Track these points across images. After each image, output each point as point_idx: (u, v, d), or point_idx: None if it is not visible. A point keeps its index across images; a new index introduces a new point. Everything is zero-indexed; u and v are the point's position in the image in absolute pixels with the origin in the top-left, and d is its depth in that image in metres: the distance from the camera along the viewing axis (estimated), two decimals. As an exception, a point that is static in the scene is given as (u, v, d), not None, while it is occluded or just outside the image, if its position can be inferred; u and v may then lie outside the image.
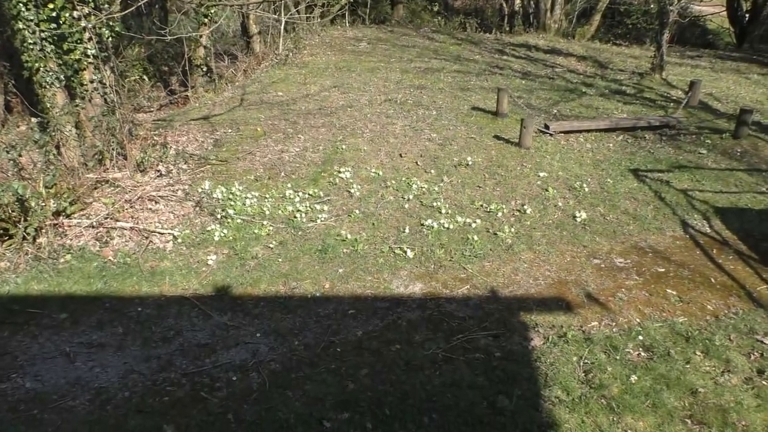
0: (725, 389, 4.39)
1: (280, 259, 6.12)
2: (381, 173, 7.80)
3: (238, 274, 5.87)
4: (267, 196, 7.29)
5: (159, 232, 6.49)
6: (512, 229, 6.59)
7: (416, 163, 8.15)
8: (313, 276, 5.84)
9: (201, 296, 5.59)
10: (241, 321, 5.26)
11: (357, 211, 6.93)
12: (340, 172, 7.80)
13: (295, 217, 6.83)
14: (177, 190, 7.32)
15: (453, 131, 9.08)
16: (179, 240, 6.42)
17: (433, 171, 7.92)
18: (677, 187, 7.40)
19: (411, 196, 7.24)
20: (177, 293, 5.63)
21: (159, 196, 7.02)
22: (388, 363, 4.72)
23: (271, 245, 6.35)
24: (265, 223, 6.69)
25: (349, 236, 6.43)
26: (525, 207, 7.03)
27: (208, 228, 6.61)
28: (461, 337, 4.99)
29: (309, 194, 7.30)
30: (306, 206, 7.03)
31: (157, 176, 7.45)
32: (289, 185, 7.51)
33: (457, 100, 10.24)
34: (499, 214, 6.92)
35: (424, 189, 7.45)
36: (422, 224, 6.68)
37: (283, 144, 8.57)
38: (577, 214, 6.89)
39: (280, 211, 6.97)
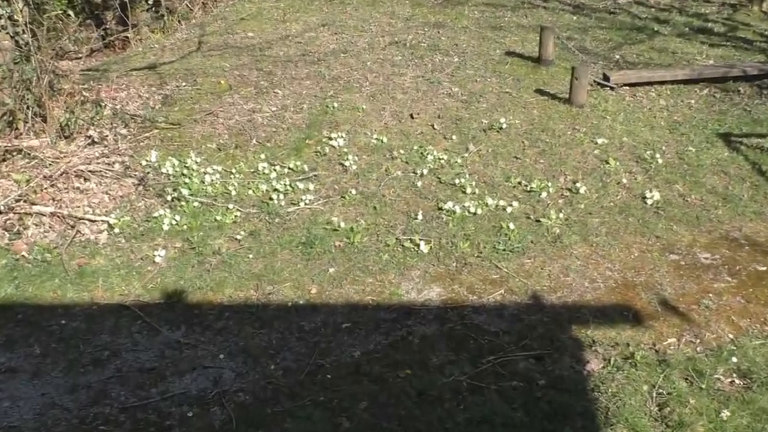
0: None
1: (250, 255, 6.14)
2: (385, 140, 7.83)
3: (194, 275, 5.91)
4: (233, 170, 7.31)
5: (89, 220, 6.49)
6: (561, 215, 6.59)
7: (432, 126, 8.15)
8: (295, 277, 5.85)
9: (145, 304, 5.61)
10: (198, 338, 5.27)
11: (353, 191, 6.97)
12: (330, 138, 7.83)
13: (270, 199, 6.85)
14: (114, 163, 7.30)
15: (481, 84, 9.07)
16: (116, 230, 6.46)
17: (454, 137, 7.94)
18: (783, 158, 7.52)
19: (425, 171, 7.27)
20: (114, 300, 5.66)
21: (90, 171, 7.00)
22: (395, 393, 4.71)
23: (238, 236, 6.37)
24: (230, 207, 6.71)
25: (342, 225, 6.46)
26: (578, 185, 7.02)
27: (155, 214, 6.64)
28: (493, 359, 4.99)
29: (289, 168, 7.34)
30: (285, 184, 7.05)
31: (88, 144, 7.44)
32: (262, 156, 7.54)
33: (487, 43, 10.25)
34: (543, 194, 6.92)
35: (442, 161, 7.48)
36: (440, 208, 6.70)
37: (254, 102, 8.59)
38: (648, 194, 6.88)
39: (250, 191, 6.99)
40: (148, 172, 7.26)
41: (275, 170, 7.31)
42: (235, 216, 6.62)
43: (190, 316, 5.48)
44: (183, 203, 6.78)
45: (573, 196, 6.90)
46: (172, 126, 8.09)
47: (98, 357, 5.07)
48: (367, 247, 6.21)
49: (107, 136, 7.70)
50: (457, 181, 7.10)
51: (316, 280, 5.82)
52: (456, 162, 7.45)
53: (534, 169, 7.35)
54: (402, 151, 7.63)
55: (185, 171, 7.27)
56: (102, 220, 6.51)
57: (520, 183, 7.10)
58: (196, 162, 7.43)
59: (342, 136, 7.87)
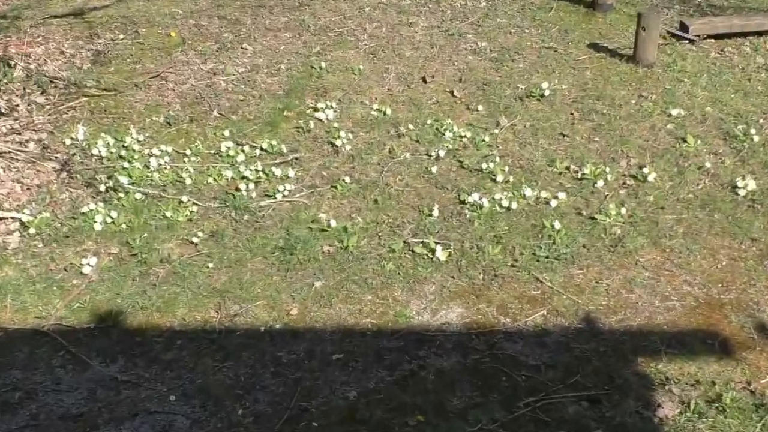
0: None
1: (211, 265, 6.17)
2: (389, 112, 7.86)
3: (136, 291, 5.94)
4: (188, 152, 7.36)
5: None
6: (623, 210, 6.58)
7: (451, 93, 8.16)
8: (269, 294, 5.90)
9: (70, 330, 5.62)
10: (141, 373, 5.27)
11: (347, 180, 7.01)
12: (316, 110, 7.87)
13: (237, 189, 6.90)
14: (28, 141, 7.35)
15: (516, 37, 9.08)
16: (32, 230, 6.49)
17: (481, 108, 7.96)
18: None
19: (442, 153, 7.30)
20: (28, 324, 5.66)
21: None
22: (403, 448, 4.78)
23: (195, 239, 6.41)
24: (184, 200, 6.77)
25: (333, 223, 6.50)
26: (645, 170, 7.03)
27: (84, 209, 6.67)
28: (533, 401, 4.97)
29: (262, 149, 7.41)
30: (257, 170, 7.10)
31: None
32: (226, 133, 7.58)
33: (525, -19, 10.25)
34: (600, 183, 6.93)
35: (465, 140, 7.51)
36: (462, 202, 6.75)
37: (215, 60, 8.63)
38: (740, 183, 6.87)
39: (211, 179, 7.04)
40: (74, 154, 7.26)
41: (243, 151, 7.34)
42: (191, 212, 6.66)
43: (129, 345, 5.48)
44: (121, 195, 6.81)
45: (639, 186, 6.91)
46: (105, 93, 8.06)
47: (7, 399, 5.05)
48: (366, 253, 6.25)
49: (18, 105, 7.67)
50: (484, 165, 7.11)
51: (297, 297, 5.85)
52: (483, 141, 7.46)
53: (587, 150, 7.37)
54: (411, 127, 7.64)
55: (124, 152, 7.26)
56: (12, 218, 6.52)
57: (568, 168, 7.12)
58: (138, 141, 7.42)
59: (332, 107, 7.88)
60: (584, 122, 7.73)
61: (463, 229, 6.47)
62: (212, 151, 7.40)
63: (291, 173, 7.11)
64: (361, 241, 6.34)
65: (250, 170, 7.09)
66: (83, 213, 6.64)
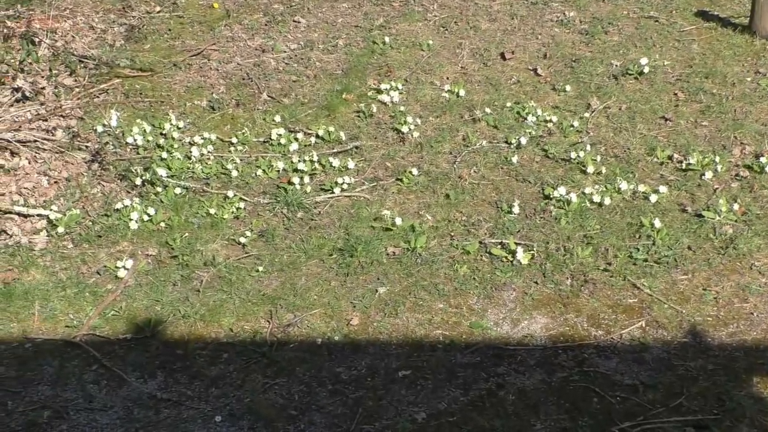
0: None
1: (260, 268, 6.20)
2: (463, 93, 7.89)
3: (177, 298, 5.97)
4: (234, 140, 7.41)
5: (19, 214, 6.57)
6: (735, 206, 6.51)
7: (534, 71, 8.20)
8: (327, 301, 5.92)
9: (104, 341, 5.66)
10: (183, 391, 5.28)
11: (414, 172, 7.01)
12: (379, 91, 7.92)
13: (290, 182, 6.93)
14: (55, 128, 7.35)
15: (610, 5, 9.18)
16: (60, 228, 6.53)
17: (569, 88, 7.98)
18: None
19: (524, 140, 7.29)
20: (57, 334, 5.71)
21: (18, 142, 7.04)
22: (480, 478, 4.77)
23: (243, 239, 6.44)
24: (230, 194, 6.80)
25: (398, 222, 6.50)
26: (762, 160, 6.96)
27: (118, 205, 6.72)
28: (629, 426, 4.92)
29: (318, 137, 7.44)
30: (312, 161, 7.13)
31: (15, 101, 7.50)
32: (277, 119, 7.64)
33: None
34: (708, 174, 6.86)
35: (550, 125, 7.53)
36: (548, 197, 6.75)
37: (264, 35, 8.74)
38: None
39: (260, 172, 7.08)
40: (107, 143, 7.31)
41: (296, 140, 7.38)
42: (238, 209, 6.70)
43: (170, 359, 5.50)
44: (159, 189, 6.86)
45: (755, 178, 6.85)
46: (141, 73, 8.10)
47: (35, 419, 5.05)
48: (436, 255, 6.24)
49: (44, 88, 7.66)
50: (573, 154, 7.09)
51: (358, 304, 5.87)
52: (571, 126, 7.45)
53: (693, 136, 7.31)
54: (488, 110, 7.64)
55: (162, 141, 7.32)
56: (39, 215, 6.58)
57: (670, 158, 7.07)
58: (178, 127, 7.48)
59: (397, 88, 7.89)
60: (690, 104, 7.67)
61: (547, 228, 6.44)
62: (261, 140, 7.43)
63: (351, 164, 7.11)
64: (431, 242, 6.33)
65: (305, 161, 7.09)
66: (117, 210, 6.69)
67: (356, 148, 7.33)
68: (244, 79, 8.15)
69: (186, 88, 8.03)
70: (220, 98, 7.92)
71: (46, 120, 7.38)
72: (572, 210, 6.55)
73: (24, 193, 6.77)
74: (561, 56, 8.35)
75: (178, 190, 6.85)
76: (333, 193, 6.84)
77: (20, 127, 7.19)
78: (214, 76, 8.14)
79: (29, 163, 6.99)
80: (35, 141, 7.12)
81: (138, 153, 7.24)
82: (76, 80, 7.95)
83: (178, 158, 7.12)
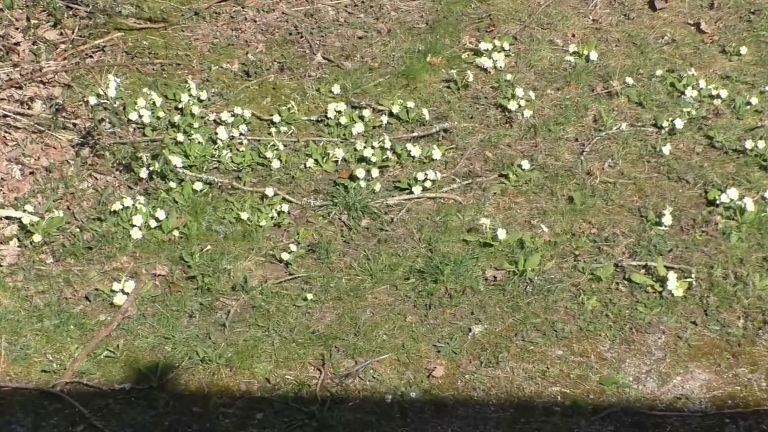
0: None
1: (310, 295, 5.89)
2: (594, 57, 7.68)
3: (194, 334, 5.74)
4: (276, 118, 7.11)
5: None
6: None
7: (696, 27, 7.92)
8: (401, 342, 5.66)
9: (93, 391, 5.43)
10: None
11: (525, 165, 6.76)
12: (478, 53, 7.64)
13: (352, 178, 6.64)
14: (32, 99, 7.16)
15: None
16: (37, 237, 6.27)
17: (744, 50, 7.69)
18: None
19: (680, 123, 7.02)
20: (31, 380, 5.53)
21: None
22: None
23: (286, 255, 6.13)
24: (269, 193, 6.52)
25: (501, 234, 6.21)
26: None
27: (116, 206, 6.42)
28: None
29: (392, 115, 7.14)
30: (383, 148, 6.84)
31: None
32: (335, 89, 7.33)
33: None
34: None
35: (718, 102, 7.23)
36: (712, 202, 6.46)
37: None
38: None
39: (311, 162, 6.79)
40: (102, 120, 6.97)
41: (362, 119, 7.10)
42: (280, 213, 6.43)
43: (183, 419, 5.29)
44: (172, 185, 6.58)
45: None
46: (150, 25, 7.87)
47: None
48: (553, 282, 5.98)
49: (18, 44, 7.44)
50: (748, 144, 6.79)
51: (444, 349, 5.61)
52: (747, 104, 7.15)
53: None
54: (630, 81, 7.38)
55: (177, 119, 7.01)
56: (7, 218, 6.36)
57: None
58: (199, 100, 7.19)
59: (502, 49, 7.66)
60: None
61: (712, 247, 6.15)
62: (314, 118, 7.16)
63: (436, 154, 6.79)
64: (547, 263, 6.08)
65: (373, 148, 6.79)
66: (115, 212, 6.39)
67: (444, 131, 7.00)
68: (290, 34, 7.82)
69: (211, 46, 7.73)
70: (257, 60, 7.60)
71: (21, 87, 7.15)
72: (747, 221, 6.26)
73: (-14, 185, 6.51)
74: (734, 5, 8.06)
75: (198, 186, 6.58)
76: (411, 193, 6.57)
77: (-15, 93, 6.86)
78: (249, 30, 7.85)
79: (-2, 144, 6.66)
80: (4, 116, 6.91)
81: (144, 134, 6.98)
82: (62, 33, 7.63)
83: (198, 142, 6.84)
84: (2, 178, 6.62)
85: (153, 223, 6.33)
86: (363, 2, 8.20)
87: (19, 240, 6.31)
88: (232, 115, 7.11)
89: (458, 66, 7.57)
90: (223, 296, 5.95)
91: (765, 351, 5.54)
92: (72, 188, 6.64)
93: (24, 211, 6.39)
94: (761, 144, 6.80)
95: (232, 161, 6.84)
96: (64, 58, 7.49)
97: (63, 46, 7.57)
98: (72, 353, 5.65)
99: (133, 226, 6.31)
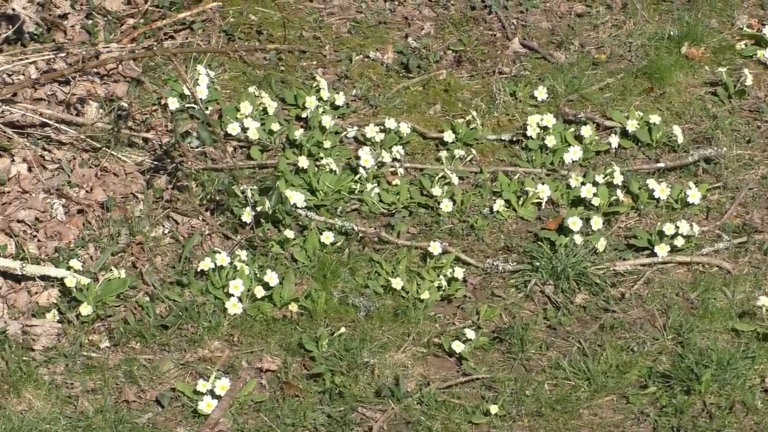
0: None
1: (493, 408, 5.23)
2: None
3: None
4: (447, 135, 6.30)
5: (2, 273, 5.64)
6: None
7: None
8: None
9: None
10: None
11: None
12: (760, 41, 6.97)
13: (563, 230, 5.96)
14: (83, 100, 6.29)
15: None
16: (86, 307, 5.44)
17: None
18: None
19: None
20: None
21: (7, 125, 6.08)
22: None
23: (458, 346, 5.52)
24: (436, 249, 5.78)
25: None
26: None
27: (206, 263, 5.63)
28: None
29: (626, 135, 6.44)
30: (612, 184, 6.13)
31: (2, 41, 6.57)
32: (541, 93, 6.54)
33: None
34: None
35: None
36: None
37: None
38: None
39: (499, 204, 5.99)
40: (187, 134, 6.16)
41: (579, 139, 6.37)
42: (452, 278, 5.62)
43: None
44: (290, 234, 5.70)
45: None
46: None
47: None
48: None
49: (66, 16, 6.64)
50: None
51: None
52: None
53: None
54: None
55: (299, 134, 6.11)
56: (43, 277, 5.49)
57: None
58: (334, 107, 6.30)
59: None
60: None
61: None
62: (505, 137, 6.22)
63: (694, 196, 5.77)
64: None
65: (595, 185, 5.87)
66: (203, 273, 5.50)
67: (707, 161, 6.00)
68: (473, 8, 6.72)
69: (353, 25, 6.65)
70: (422, 47, 6.51)
71: (67, 83, 6.08)
72: None
73: (15, 231, 5.60)
74: None
75: (328, 237, 5.61)
76: (654, 255, 5.59)
77: (14, 94, 5.99)
78: (411, 1, 6.83)
79: (28, 170, 5.80)
80: (43, 125, 5.92)
81: (250, 157, 6.03)
82: (129, 2, 6.66)
83: (331, 171, 5.91)
84: (37, 218, 5.65)
85: (260, 292, 5.36)
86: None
87: (60, 312, 5.27)
88: (382, 131, 6.05)
89: (730, 61, 6.54)
90: (362, 405, 5.02)
91: None
92: (140, 236, 5.63)
93: (68, 268, 5.34)
94: None
95: (381, 200, 5.84)
96: (133, 39, 6.39)
97: (131, 21, 6.48)
98: None
99: (230, 295, 5.33)
